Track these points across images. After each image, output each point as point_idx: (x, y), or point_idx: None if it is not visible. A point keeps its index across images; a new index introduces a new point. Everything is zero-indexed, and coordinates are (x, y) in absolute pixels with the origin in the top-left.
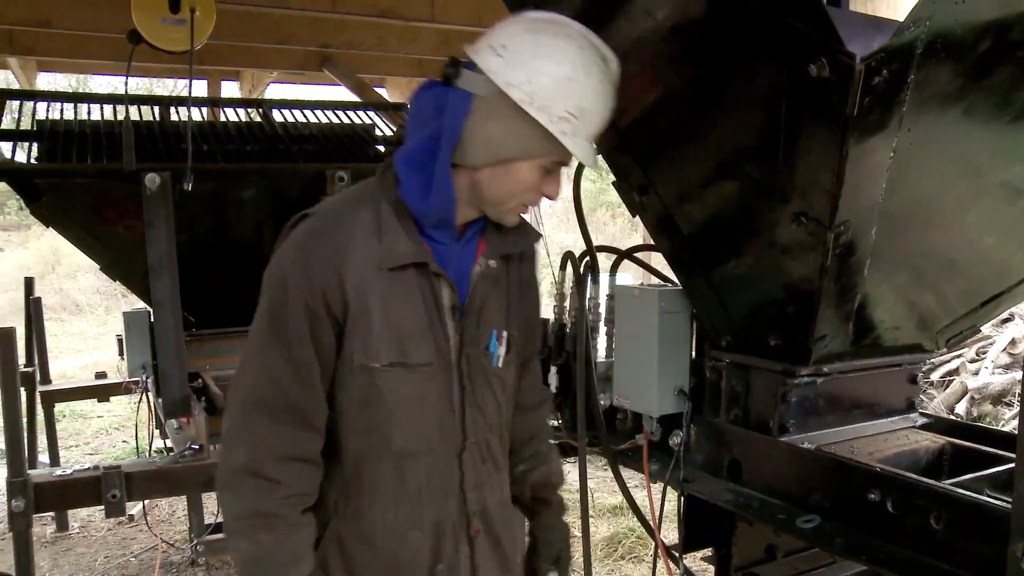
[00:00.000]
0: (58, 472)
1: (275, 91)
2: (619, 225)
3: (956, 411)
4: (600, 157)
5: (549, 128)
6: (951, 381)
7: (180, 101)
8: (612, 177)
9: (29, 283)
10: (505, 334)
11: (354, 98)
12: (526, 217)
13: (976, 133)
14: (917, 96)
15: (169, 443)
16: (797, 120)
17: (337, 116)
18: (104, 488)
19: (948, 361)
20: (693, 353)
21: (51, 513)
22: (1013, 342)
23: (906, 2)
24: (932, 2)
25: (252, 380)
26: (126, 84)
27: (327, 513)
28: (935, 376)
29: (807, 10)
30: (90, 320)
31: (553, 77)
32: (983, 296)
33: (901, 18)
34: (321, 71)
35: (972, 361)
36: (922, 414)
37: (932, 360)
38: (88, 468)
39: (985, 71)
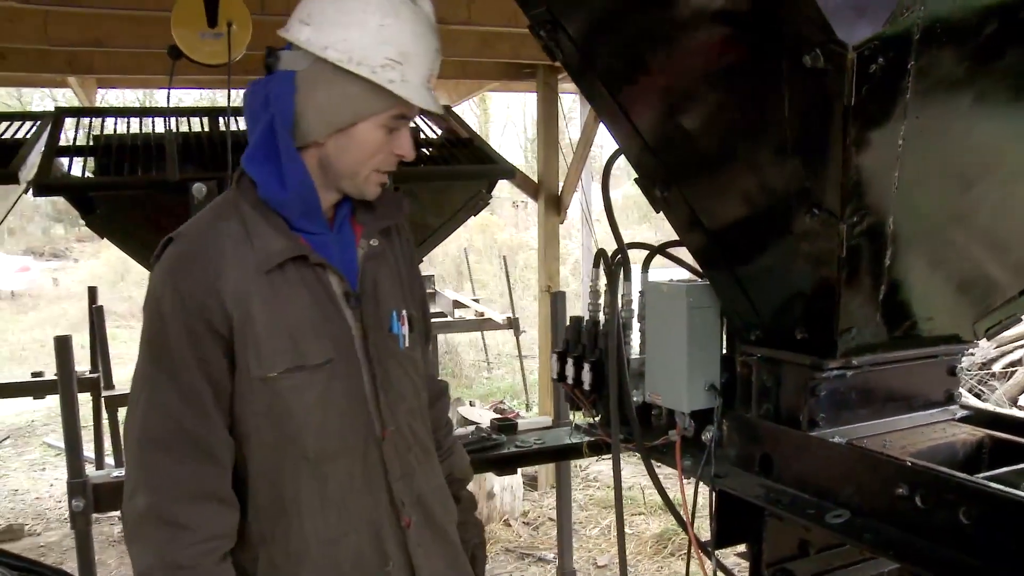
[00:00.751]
0: (115, 473)
1: None
2: (649, 224)
3: (1019, 403)
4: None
5: (375, 79)
6: (1014, 372)
7: (222, 112)
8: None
9: (92, 293)
10: (405, 312)
11: None
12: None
13: (995, 116)
14: (921, 83)
15: None
16: (801, 112)
17: None
18: None
19: (1011, 351)
20: (724, 348)
21: (118, 512)
22: None
23: None
24: None
25: (142, 417)
26: (168, 97)
27: (254, 549)
28: (997, 367)
29: (798, 1)
30: None
31: (364, 28)
32: (1021, 285)
33: None
34: None
35: None
36: (963, 406)
37: (993, 351)
38: None
39: (995, 54)
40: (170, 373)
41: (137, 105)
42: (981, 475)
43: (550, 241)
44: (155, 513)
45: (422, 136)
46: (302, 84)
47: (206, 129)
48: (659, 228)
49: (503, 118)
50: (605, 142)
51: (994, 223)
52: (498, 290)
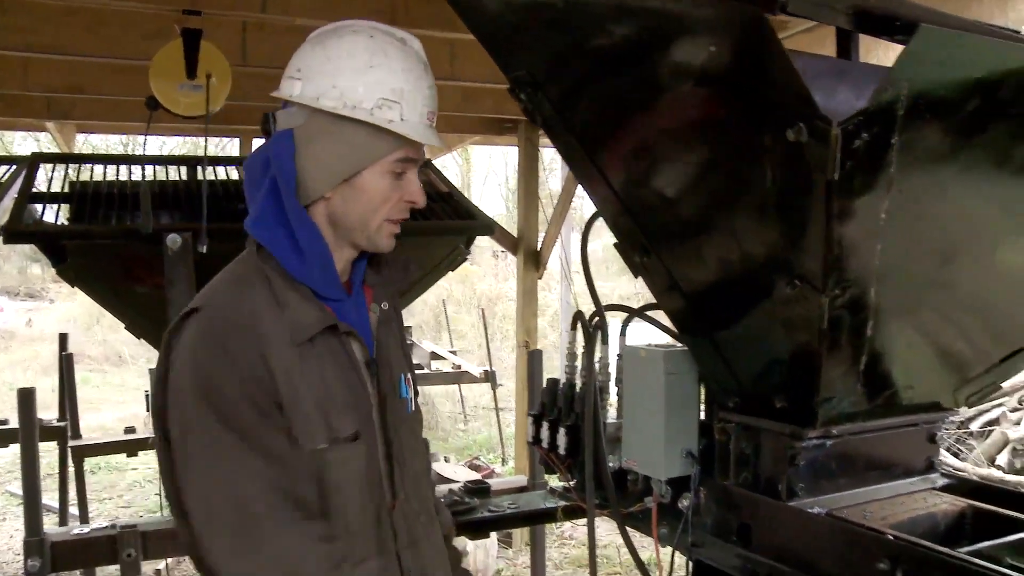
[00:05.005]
0: (75, 531)
1: None
2: (629, 276)
3: (997, 462)
4: None
5: (372, 121)
6: (991, 431)
7: (199, 161)
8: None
9: (63, 339)
10: (409, 376)
11: None
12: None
13: (977, 189)
14: (905, 157)
15: None
16: (782, 184)
17: None
18: (120, 547)
19: (988, 411)
20: (702, 414)
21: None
22: None
23: None
24: (907, 66)
25: (229, 505)
26: (144, 146)
27: None
28: (974, 426)
29: (782, 76)
30: (132, 372)
31: (354, 71)
32: (1002, 353)
33: None
34: None
35: (1014, 410)
36: (944, 475)
37: (971, 410)
38: (105, 527)
39: (978, 128)
40: (249, 442)
41: (121, 151)
42: (963, 549)
43: (528, 297)
44: None
45: None
46: (300, 140)
47: (184, 178)
48: (639, 281)
49: (485, 168)
50: (586, 195)
51: (975, 292)
52: (476, 341)
